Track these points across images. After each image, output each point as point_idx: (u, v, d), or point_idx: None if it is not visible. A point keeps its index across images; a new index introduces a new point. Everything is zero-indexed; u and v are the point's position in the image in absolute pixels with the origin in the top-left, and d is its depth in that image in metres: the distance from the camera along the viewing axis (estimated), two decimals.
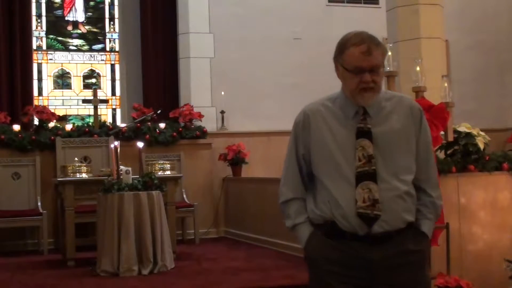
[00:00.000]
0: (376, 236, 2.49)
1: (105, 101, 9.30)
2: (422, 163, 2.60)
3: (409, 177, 2.55)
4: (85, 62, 9.50)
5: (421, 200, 2.60)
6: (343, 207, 2.50)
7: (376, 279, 2.51)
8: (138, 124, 8.32)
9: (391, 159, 2.52)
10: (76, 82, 9.43)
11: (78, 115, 9.37)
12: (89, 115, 9.23)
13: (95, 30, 9.63)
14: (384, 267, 2.49)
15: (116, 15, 9.66)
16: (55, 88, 9.35)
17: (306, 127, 2.62)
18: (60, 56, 9.39)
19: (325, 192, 2.55)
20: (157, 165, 6.71)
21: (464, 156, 5.21)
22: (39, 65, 9.25)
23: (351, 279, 2.51)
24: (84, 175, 6.49)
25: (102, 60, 9.58)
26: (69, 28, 9.48)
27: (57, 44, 9.41)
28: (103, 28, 9.65)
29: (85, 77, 9.51)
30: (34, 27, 9.12)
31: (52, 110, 8.53)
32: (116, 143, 6.15)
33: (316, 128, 2.58)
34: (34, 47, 9.10)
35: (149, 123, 8.49)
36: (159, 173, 6.56)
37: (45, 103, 9.14)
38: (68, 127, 8.28)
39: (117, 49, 9.63)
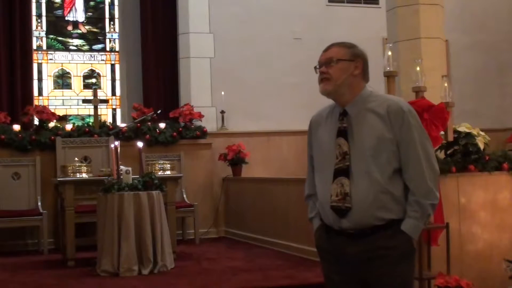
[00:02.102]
0: (350, 232, 2.69)
1: (105, 101, 9.30)
2: (404, 162, 2.70)
3: (384, 175, 2.67)
4: (85, 62, 9.50)
5: (408, 199, 2.71)
6: (322, 202, 2.79)
7: (355, 272, 2.73)
8: (138, 124, 8.32)
9: (364, 157, 2.68)
10: (76, 82, 9.44)
11: (78, 115, 9.37)
12: (89, 115, 9.24)
13: (95, 30, 9.63)
14: (359, 261, 2.69)
15: (116, 15, 9.67)
16: (55, 88, 9.35)
17: (310, 131, 2.94)
18: (60, 56, 9.39)
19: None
20: (157, 165, 6.71)
21: (464, 156, 5.21)
22: (39, 65, 9.25)
23: (339, 270, 2.77)
24: (84, 175, 6.49)
25: (102, 60, 9.59)
26: (69, 28, 9.48)
27: (57, 44, 9.41)
28: (103, 28, 9.65)
29: (85, 77, 9.51)
30: (34, 27, 9.12)
31: (52, 110, 8.53)
32: (116, 143, 6.15)
33: (316, 132, 2.89)
34: (34, 47, 9.10)
35: (149, 123, 8.49)
36: (159, 173, 6.56)
37: (45, 103, 9.14)
38: (68, 127, 8.28)
39: (117, 49, 9.63)
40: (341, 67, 2.75)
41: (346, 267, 2.73)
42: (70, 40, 9.49)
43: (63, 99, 9.37)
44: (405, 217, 2.69)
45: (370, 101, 2.76)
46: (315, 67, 2.84)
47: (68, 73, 9.42)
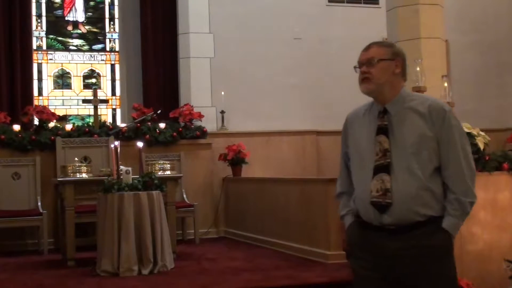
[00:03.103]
0: (390, 228, 2.73)
1: (105, 101, 9.30)
2: (444, 160, 2.76)
3: (424, 173, 2.72)
4: (85, 62, 9.50)
5: (447, 196, 2.77)
6: (361, 197, 2.81)
7: (394, 269, 2.74)
8: (138, 124, 8.32)
9: (405, 154, 2.74)
10: (76, 82, 9.44)
11: (78, 115, 9.37)
12: (89, 115, 9.24)
13: (95, 30, 9.63)
14: (400, 258, 2.72)
15: (116, 15, 9.67)
16: (55, 88, 9.35)
17: (345, 129, 2.98)
18: (60, 56, 9.39)
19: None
20: (157, 165, 6.71)
21: None
22: (39, 65, 9.25)
23: (375, 266, 2.77)
24: (84, 175, 6.49)
25: (102, 60, 9.59)
26: (69, 28, 9.48)
27: (57, 44, 9.41)
28: (103, 28, 9.65)
29: (85, 77, 9.51)
30: (34, 27, 9.12)
31: (52, 110, 8.53)
32: (116, 143, 6.15)
33: (352, 129, 2.93)
34: (34, 47, 9.10)
35: (149, 123, 8.49)
36: (159, 173, 6.56)
37: (45, 103, 9.14)
38: (68, 127, 8.28)
39: (117, 49, 9.63)
40: (383, 66, 2.80)
41: (382, 263, 2.75)
42: (70, 40, 9.49)
43: (63, 99, 9.37)
44: (444, 214, 2.75)
45: (410, 100, 2.82)
46: (355, 67, 2.88)
47: (68, 73, 9.42)
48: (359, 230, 2.84)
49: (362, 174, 2.82)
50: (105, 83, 9.58)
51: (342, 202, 2.99)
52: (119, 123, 9.20)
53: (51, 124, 8.22)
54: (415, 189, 2.70)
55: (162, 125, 8.54)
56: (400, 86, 2.84)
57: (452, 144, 2.76)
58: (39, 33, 9.29)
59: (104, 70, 9.58)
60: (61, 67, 9.40)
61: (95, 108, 8.42)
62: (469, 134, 5.23)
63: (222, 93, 9.00)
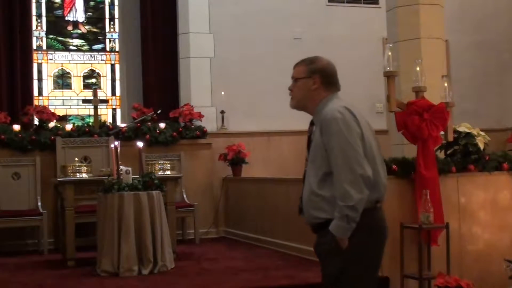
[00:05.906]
0: (311, 228, 3.05)
1: (105, 101, 9.29)
2: (331, 166, 2.89)
3: (316, 179, 2.92)
4: (85, 62, 9.50)
5: None
6: None
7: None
8: (138, 124, 8.32)
9: (309, 163, 3.00)
10: (76, 82, 9.43)
11: (78, 115, 9.37)
12: (89, 115, 9.24)
13: (95, 30, 9.63)
14: (317, 254, 3.05)
15: (116, 15, 9.66)
16: (55, 88, 9.35)
17: None
18: (60, 56, 9.39)
19: None
20: (157, 165, 6.71)
21: (464, 156, 5.22)
22: (39, 65, 9.25)
23: None
24: (84, 175, 6.49)
25: (102, 60, 9.58)
26: (69, 28, 9.48)
27: (57, 44, 9.41)
28: (103, 28, 9.65)
29: (85, 77, 9.51)
30: (34, 27, 9.12)
31: (52, 110, 8.53)
32: (116, 143, 6.15)
33: None
34: (34, 47, 9.09)
35: (149, 123, 8.49)
36: (159, 173, 6.56)
37: (45, 103, 9.14)
38: (68, 127, 8.28)
39: (117, 49, 9.63)
40: (300, 85, 3.07)
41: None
42: (70, 40, 9.48)
43: (63, 99, 9.37)
44: None
45: (323, 110, 2.98)
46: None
47: (68, 73, 9.42)
48: None
49: None
50: (105, 83, 9.57)
51: None
52: (119, 123, 9.20)
53: (51, 124, 8.22)
54: (307, 195, 2.97)
55: (162, 125, 8.54)
56: (320, 99, 3.02)
57: (332, 151, 2.86)
58: (39, 33, 9.29)
59: (104, 70, 9.58)
60: (61, 67, 9.39)
61: (95, 108, 8.41)
62: (469, 134, 5.24)
63: (222, 93, 9.00)
